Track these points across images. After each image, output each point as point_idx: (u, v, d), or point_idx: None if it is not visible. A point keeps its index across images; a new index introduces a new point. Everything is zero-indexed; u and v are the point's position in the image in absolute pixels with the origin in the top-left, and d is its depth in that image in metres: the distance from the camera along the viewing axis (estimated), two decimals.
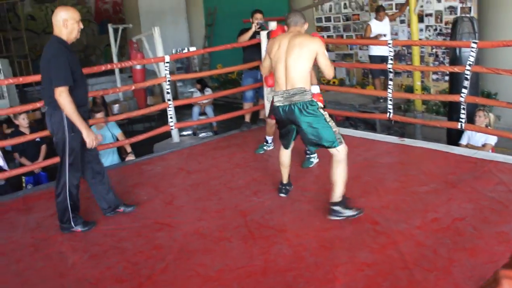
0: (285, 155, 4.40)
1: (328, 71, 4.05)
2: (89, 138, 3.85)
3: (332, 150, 3.90)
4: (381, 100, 8.26)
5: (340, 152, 3.88)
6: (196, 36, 16.99)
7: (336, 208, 3.87)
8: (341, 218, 3.87)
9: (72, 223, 3.99)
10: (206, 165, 5.62)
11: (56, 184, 3.98)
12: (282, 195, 4.51)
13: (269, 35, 6.16)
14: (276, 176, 4.87)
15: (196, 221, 4.10)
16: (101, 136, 4.17)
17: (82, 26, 3.93)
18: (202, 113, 9.98)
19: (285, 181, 4.54)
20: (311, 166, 5.30)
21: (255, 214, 4.14)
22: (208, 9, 16.41)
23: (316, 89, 4.73)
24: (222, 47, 7.29)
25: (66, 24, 3.81)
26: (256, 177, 5.07)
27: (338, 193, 3.88)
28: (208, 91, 10.12)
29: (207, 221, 4.09)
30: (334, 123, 3.94)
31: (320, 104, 4.01)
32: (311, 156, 5.37)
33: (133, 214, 4.33)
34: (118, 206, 4.35)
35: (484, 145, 5.93)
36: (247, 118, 7.18)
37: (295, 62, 3.91)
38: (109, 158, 6.29)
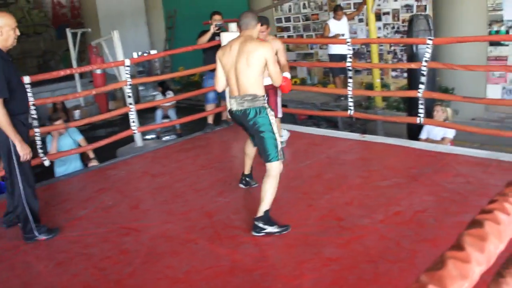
0: (250, 146, 4.46)
1: (276, 78, 3.92)
2: (23, 152, 3.77)
3: (267, 164, 3.79)
4: (342, 98, 8.39)
5: (274, 168, 3.77)
6: (156, 39, 16.88)
7: (258, 223, 3.71)
8: (262, 234, 3.70)
9: (36, 232, 3.93)
10: (171, 168, 5.61)
11: (12, 196, 3.91)
12: (241, 185, 4.63)
13: None
14: (240, 175, 4.91)
15: (163, 224, 4.10)
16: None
17: (18, 33, 3.80)
18: (165, 116, 9.93)
19: (246, 171, 4.64)
20: None
21: (220, 214, 4.16)
22: (168, 12, 16.33)
23: (286, 74, 4.69)
24: (183, 49, 7.28)
25: (1, 31, 3.67)
26: (220, 178, 5.09)
27: (262, 208, 3.73)
28: (170, 94, 10.08)
29: (174, 223, 4.09)
30: (279, 138, 3.86)
31: (272, 117, 3.84)
32: None
33: (99, 220, 4.30)
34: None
35: (443, 139, 6.06)
36: (210, 120, 7.19)
37: (245, 69, 3.77)
38: (71, 165, 6.20)
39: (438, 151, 5.42)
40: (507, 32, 8.64)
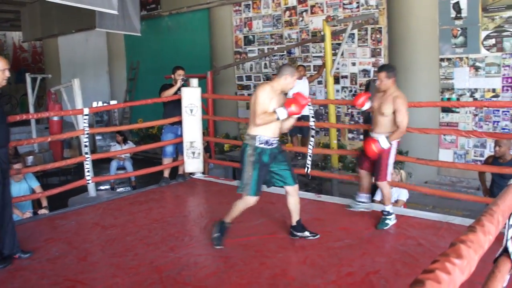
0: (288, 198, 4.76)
1: (256, 119, 4.33)
2: None
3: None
4: (299, 157, 8.49)
5: (242, 197, 4.44)
6: (117, 90, 16.82)
7: (215, 227, 4.54)
8: (212, 236, 4.51)
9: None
10: (123, 220, 5.50)
11: None
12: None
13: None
14: (193, 231, 4.85)
15: (110, 278, 3.97)
16: None
17: (8, 75, 3.89)
18: (121, 167, 9.81)
19: (292, 222, 4.82)
20: (385, 228, 5.03)
21: (171, 270, 4.07)
22: (130, 63, 16.39)
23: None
24: (143, 101, 7.30)
25: None
26: (173, 233, 5.00)
27: (226, 216, 4.51)
28: (130, 144, 10.00)
29: (122, 278, 3.97)
30: (251, 174, 4.36)
31: (249, 155, 4.38)
32: (387, 217, 5.09)
33: (44, 271, 4.13)
34: None
35: (396, 201, 6.16)
36: (166, 174, 7.13)
37: (250, 110, 4.41)
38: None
39: None
40: (458, 100, 9.01)
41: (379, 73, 4.89)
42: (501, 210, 1.36)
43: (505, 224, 1.57)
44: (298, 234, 4.74)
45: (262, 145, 4.39)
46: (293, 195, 4.69)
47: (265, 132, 4.38)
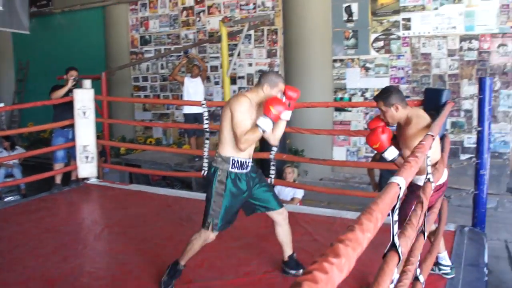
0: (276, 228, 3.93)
1: (239, 144, 3.40)
2: None
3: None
4: (197, 159, 8.47)
5: (202, 232, 3.60)
6: (4, 92, 15.86)
7: (167, 269, 3.70)
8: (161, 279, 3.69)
9: None
10: (10, 232, 5.16)
11: None
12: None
13: None
14: (87, 239, 4.68)
15: None
16: None
17: None
18: (9, 174, 9.27)
19: (284, 257, 4.01)
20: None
21: (64, 281, 3.89)
22: (19, 63, 15.55)
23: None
24: (31, 104, 6.96)
25: None
26: (66, 242, 4.79)
27: (181, 257, 3.66)
28: (19, 150, 9.48)
29: None
30: (220, 205, 3.52)
31: (218, 182, 3.51)
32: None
33: None
34: None
35: (292, 199, 6.31)
36: (58, 180, 6.83)
37: (220, 125, 3.51)
38: None
39: (288, 210, 5.58)
40: (350, 99, 9.44)
41: (377, 103, 3.48)
42: (380, 208, 1.42)
43: (391, 220, 1.65)
44: (292, 272, 3.93)
45: (236, 170, 3.52)
46: (281, 224, 3.86)
47: (240, 153, 3.50)
